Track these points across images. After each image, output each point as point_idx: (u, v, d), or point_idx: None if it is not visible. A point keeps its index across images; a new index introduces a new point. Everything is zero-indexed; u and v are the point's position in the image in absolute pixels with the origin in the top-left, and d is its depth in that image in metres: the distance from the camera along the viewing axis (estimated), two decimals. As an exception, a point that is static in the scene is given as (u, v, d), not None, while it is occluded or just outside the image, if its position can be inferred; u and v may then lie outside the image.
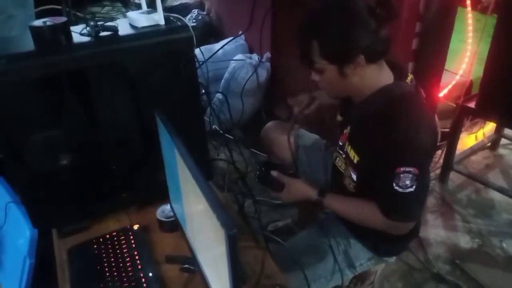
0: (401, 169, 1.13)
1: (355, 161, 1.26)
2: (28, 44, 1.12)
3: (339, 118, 1.41)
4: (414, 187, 1.15)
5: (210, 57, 2.67)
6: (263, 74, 2.75)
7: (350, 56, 1.12)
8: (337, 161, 1.42)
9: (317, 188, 1.37)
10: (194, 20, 3.46)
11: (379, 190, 1.23)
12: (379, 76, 1.20)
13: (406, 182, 1.14)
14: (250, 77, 2.68)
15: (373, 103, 1.20)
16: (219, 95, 2.68)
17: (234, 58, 2.84)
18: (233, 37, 3.01)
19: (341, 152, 1.38)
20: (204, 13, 3.62)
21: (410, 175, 1.14)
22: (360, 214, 1.31)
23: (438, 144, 1.47)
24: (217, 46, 2.96)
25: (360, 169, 1.26)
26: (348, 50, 1.11)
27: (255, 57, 2.82)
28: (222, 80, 2.79)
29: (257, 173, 1.45)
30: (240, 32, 3.00)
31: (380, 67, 1.19)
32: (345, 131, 1.34)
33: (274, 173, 1.41)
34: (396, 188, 1.15)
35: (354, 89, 1.22)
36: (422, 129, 1.15)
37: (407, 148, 1.14)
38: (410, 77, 1.25)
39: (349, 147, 1.29)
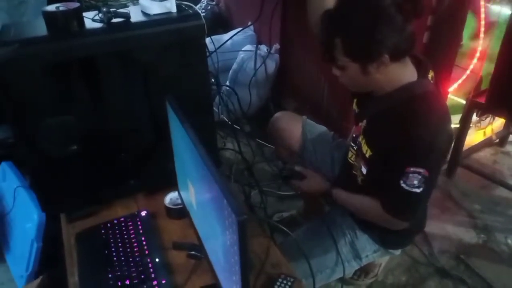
0: (411, 169, 1.12)
1: (367, 155, 1.26)
2: (40, 29, 1.13)
3: (355, 108, 1.40)
4: (421, 189, 1.14)
5: (220, 46, 2.66)
6: (271, 65, 2.74)
7: (374, 56, 1.09)
8: (348, 152, 1.42)
9: (330, 183, 1.49)
10: (203, 10, 3.45)
11: (384, 183, 1.22)
12: (403, 73, 1.17)
13: (414, 182, 1.14)
14: (258, 68, 2.67)
15: (394, 100, 1.18)
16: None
17: (242, 49, 2.82)
18: (242, 27, 2.99)
19: (353, 144, 1.38)
20: (213, 3, 3.60)
21: (419, 176, 1.13)
22: (362, 204, 1.35)
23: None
24: (225, 36, 2.94)
25: (371, 164, 1.26)
26: (372, 50, 1.08)
27: (264, 48, 2.80)
28: (230, 71, 2.78)
29: (283, 171, 1.62)
30: (249, 23, 2.98)
31: (404, 64, 1.17)
32: (360, 124, 1.33)
33: (298, 168, 1.54)
34: (403, 185, 1.15)
35: (376, 86, 1.20)
36: (439, 132, 1.12)
37: (420, 149, 1.12)
38: (431, 73, 1.22)
39: (363, 140, 1.28)
